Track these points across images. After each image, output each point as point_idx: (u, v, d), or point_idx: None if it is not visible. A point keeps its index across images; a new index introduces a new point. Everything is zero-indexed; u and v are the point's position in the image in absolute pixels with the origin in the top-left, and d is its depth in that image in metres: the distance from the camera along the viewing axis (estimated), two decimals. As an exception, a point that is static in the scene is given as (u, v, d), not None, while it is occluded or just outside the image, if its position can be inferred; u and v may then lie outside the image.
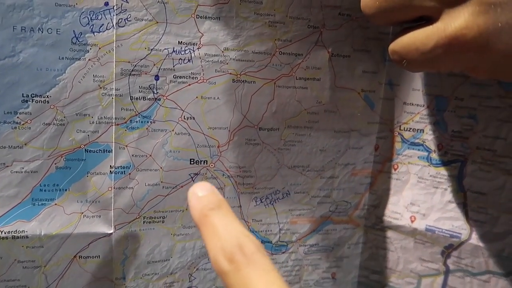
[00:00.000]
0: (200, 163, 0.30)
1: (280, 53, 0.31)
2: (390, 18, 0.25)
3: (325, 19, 0.31)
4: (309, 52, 0.31)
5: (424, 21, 0.24)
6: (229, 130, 0.30)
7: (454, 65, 0.23)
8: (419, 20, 0.24)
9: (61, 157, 0.28)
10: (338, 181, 0.34)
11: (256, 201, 0.32)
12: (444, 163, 0.32)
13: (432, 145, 0.33)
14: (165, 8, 0.28)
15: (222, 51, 0.30)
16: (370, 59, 0.33)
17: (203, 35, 0.29)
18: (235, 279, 0.18)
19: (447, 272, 0.33)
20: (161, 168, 0.29)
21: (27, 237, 0.28)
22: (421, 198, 0.33)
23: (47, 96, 0.27)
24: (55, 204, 0.28)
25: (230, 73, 0.30)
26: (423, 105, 0.33)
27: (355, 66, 0.32)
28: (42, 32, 0.27)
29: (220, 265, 0.18)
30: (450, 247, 0.33)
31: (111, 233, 0.29)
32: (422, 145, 0.33)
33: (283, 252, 0.34)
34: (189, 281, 0.32)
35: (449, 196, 0.32)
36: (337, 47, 0.32)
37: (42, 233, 0.28)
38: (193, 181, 0.30)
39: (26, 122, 0.27)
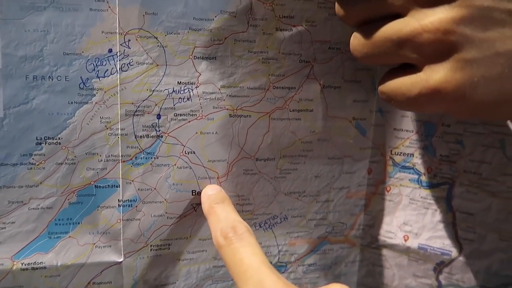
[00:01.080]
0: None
1: (274, 87, 0.32)
2: (376, 62, 0.27)
3: (316, 53, 0.32)
4: (301, 85, 0.33)
5: (408, 67, 0.25)
6: (227, 162, 0.32)
7: (437, 109, 0.25)
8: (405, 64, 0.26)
9: (73, 193, 0.30)
10: (333, 204, 0.35)
11: (255, 226, 0.34)
12: (434, 185, 0.34)
13: (422, 168, 0.34)
14: (165, 52, 0.30)
15: (219, 89, 0.31)
16: (360, 89, 0.34)
17: (200, 74, 0.31)
18: (228, 251, 0.26)
19: (439, 287, 0.35)
20: (165, 200, 0.31)
21: (45, 267, 0.30)
22: (413, 218, 0.35)
23: (59, 138, 0.29)
24: (69, 236, 0.30)
25: (227, 109, 0.32)
26: (413, 130, 0.34)
27: (346, 96, 0.34)
28: (52, 80, 0.29)
29: (218, 241, 0.27)
30: (441, 264, 0.34)
31: (121, 261, 0.31)
32: (412, 168, 0.34)
33: (283, 272, 0.35)
34: (195, 302, 0.34)
35: (439, 216, 0.34)
36: (328, 79, 0.33)
37: (59, 264, 0.30)
38: (195, 211, 0.32)
39: (41, 162, 0.29)
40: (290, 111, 0.33)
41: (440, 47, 0.23)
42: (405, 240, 0.35)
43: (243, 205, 0.33)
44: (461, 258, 0.33)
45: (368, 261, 0.37)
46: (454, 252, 0.33)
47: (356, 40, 0.27)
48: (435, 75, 0.24)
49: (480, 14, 0.23)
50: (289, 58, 0.32)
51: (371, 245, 0.37)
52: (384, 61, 0.26)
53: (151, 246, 0.32)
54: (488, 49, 0.23)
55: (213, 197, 0.31)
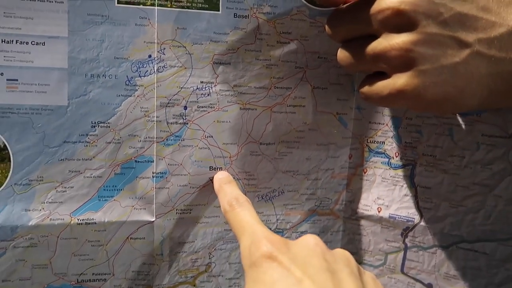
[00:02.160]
0: (217, 170, 0.40)
1: (275, 87, 0.40)
2: (357, 70, 0.35)
3: (308, 61, 0.41)
4: (296, 86, 0.41)
5: (380, 75, 0.33)
6: (237, 145, 0.40)
7: (401, 105, 0.32)
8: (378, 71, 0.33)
9: (118, 166, 0.38)
10: (321, 182, 0.43)
11: (258, 198, 0.42)
12: (400, 166, 0.42)
13: (391, 153, 0.42)
14: (191, 58, 0.38)
15: (232, 87, 0.39)
16: (343, 90, 0.42)
17: (218, 76, 0.39)
18: (231, 214, 0.33)
19: (405, 248, 0.42)
20: (188, 173, 0.39)
21: (95, 223, 0.38)
22: (384, 193, 0.43)
23: (109, 123, 0.37)
24: (114, 199, 0.38)
25: (238, 103, 0.40)
26: (383, 123, 0.42)
27: (331, 95, 0.42)
28: (105, 78, 0.37)
29: (225, 208, 0.34)
30: (407, 229, 0.42)
31: (153, 221, 0.39)
32: (383, 153, 0.42)
33: (280, 236, 0.43)
34: (209, 258, 0.41)
35: (404, 191, 0.42)
36: (317, 81, 0.41)
37: (106, 220, 0.38)
38: (212, 182, 0.40)
39: (94, 141, 0.37)
40: (287, 106, 0.41)
41: (403, 60, 0.30)
42: (379, 212, 0.43)
43: (249, 180, 0.41)
44: (422, 223, 0.41)
45: (349, 230, 0.45)
46: (416, 219, 0.41)
47: (342, 53, 0.35)
48: (399, 80, 0.30)
49: (430, 38, 0.29)
50: (287, 65, 0.40)
51: (351, 217, 0.44)
52: (362, 69, 0.34)
53: (176, 210, 0.40)
54: (436, 62, 0.29)
55: (222, 179, 0.38)
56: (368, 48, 0.32)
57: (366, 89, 0.34)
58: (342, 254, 0.29)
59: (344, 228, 0.44)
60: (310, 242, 0.28)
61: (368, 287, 0.27)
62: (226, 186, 0.37)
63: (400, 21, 0.30)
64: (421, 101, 0.31)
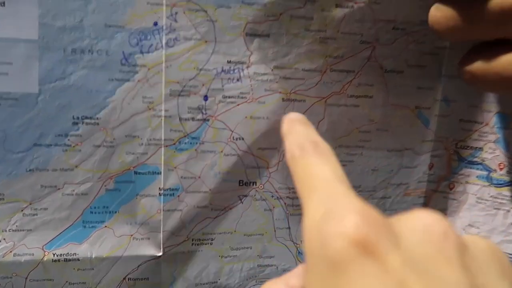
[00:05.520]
0: (249, 185, 0.28)
1: (331, 70, 0.28)
2: (467, 37, 0.22)
3: (378, 34, 0.28)
4: (361, 68, 0.28)
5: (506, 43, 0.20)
6: (278, 151, 0.28)
7: None
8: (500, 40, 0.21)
9: (111, 179, 0.26)
10: (390, 202, 0.30)
11: (305, 223, 0.29)
12: (506, 184, 0.29)
13: (492, 164, 0.29)
14: (214, 27, 0.26)
15: (272, 70, 0.27)
16: (425, 75, 0.29)
17: (252, 53, 0.26)
18: (301, 163, 0.18)
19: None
20: (209, 190, 0.27)
21: (78, 259, 0.26)
22: (480, 220, 0.29)
23: (97, 118, 0.25)
24: (105, 226, 0.26)
25: (280, 92, 0.27)
26: (482, 122, 0.29)
27: (409, 82, 0.29)
28: (92, 54, 0.25)
29: (293, 152, 0.18)
30: (512, 273, 0.29)
31: (160, 256, 0.27)
32: (481, 164, 0.29)
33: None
34: (237, 303, 0.29)
35: (511, 218, 0.29)
36: (391, 62, 0.28)
37: (93, 256, 0.26)
38: (242, 203, 0.28)
39: (77, 144, 0.25)
40: (347, 96, 0.28)
41: None
42: (469, 244, 0.30)
43: (293, 199, 0.28)
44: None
45: (424, 265, 0.32)
46: (528, 259, 0.28)
47: (440, 11, 0.22)
48: None
49: None
50: (349, 38, 0.27)
51: (428, 248, 0.32)
52: (474, 35, 0.21)
53: (192, 240, 0.27)
54: None
55: (296, 120, 0.21)
56: (493, 1, 0.20)
57: (476, 66, 0.22)
58: (488, 251, 0.15)
59: (417, 262, 0.31)
60: (435, 228, 0.14)
61: None
62: (300, 127, 0.21)
63: None
64: None
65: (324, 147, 0.19)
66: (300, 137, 0.19)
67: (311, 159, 0.18)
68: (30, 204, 0.25)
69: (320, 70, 0.27)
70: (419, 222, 0.14)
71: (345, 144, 0.29)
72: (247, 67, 0.26)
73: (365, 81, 0.28)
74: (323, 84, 0.28)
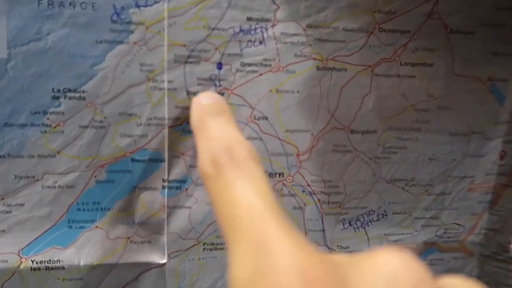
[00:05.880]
0: (275, 176, 0.22)
1: (380, 30, 0.22)
2: None
3: (443, -18, 0.21)
4: (419, 28, 0.22)
5: None
6: (311, 134, 0.22)
7: None
8: None
9: (102, 168, 0.21)
10: (450, 199, 0.24)
11: (344, 224, 0.23)
12: None
13: None
14: (230, -27, 0.20)
15: (304, 29, 0.21)
16: (502, 37, 0.23)
17: (278, 7, 0.21)
18: (216, 183, 0.15)
19: None
20: (225, 182, 0.22)
21: (63, 267, 0.21)
22: None
23: (83, 91, 0.20)
24: (96, 226, 0.21)
25: (314, 58, 0.21)
26: None
27: (482, 46, 0.23)
28: (74, 8, 0.19)
29: (204, 169, 0.16)
30: None
31: (164, 263, 0.22)
32: None
33: None
34: (258, 319, 0.24)
35: None
36: (458, 20, 0.22)
37: (81, 263, 0.21)
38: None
39: (58, 124, 0.20)
40: (401, 65, 0.22)
41: None
42: (551, 252, 0.24)
43: (329, 195, 0.23)
44: None
45: (489, 277, 0.26)
46: None
47: None
48: None
49: None
50: (404, -11, 0.21)
51: (495, 256, 0.25)
52: None
53: (204, 244, 0.22)
54: None
55: (207, 107, 0.18)
56: None
57: None
58: None
59: (480, 273, 0.26)
60: (405, 277, 0.12)
61: None
62: (212, 122, 0.18)
63: None
64: None
65: (242, 152, 0.16)
66: (212, 142, 0.16)
67: (228, 176, 0.15)
68: (2, 199, 0.20)
69: (366, 30, 0.22)
70: (384, 269, 0.12)
71: (396, 126, 0.23)
72: (272, 25, 0.21)
73: (424, 45, 0.22)
74: (370, 48, 0.22)
